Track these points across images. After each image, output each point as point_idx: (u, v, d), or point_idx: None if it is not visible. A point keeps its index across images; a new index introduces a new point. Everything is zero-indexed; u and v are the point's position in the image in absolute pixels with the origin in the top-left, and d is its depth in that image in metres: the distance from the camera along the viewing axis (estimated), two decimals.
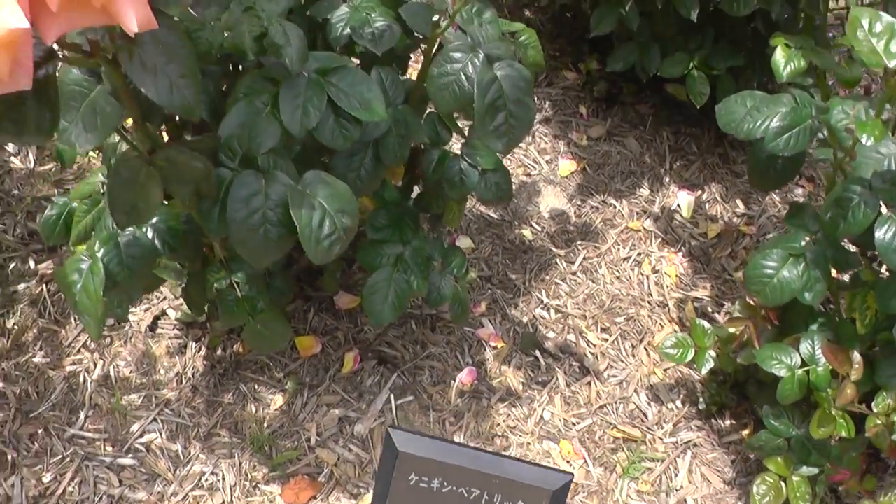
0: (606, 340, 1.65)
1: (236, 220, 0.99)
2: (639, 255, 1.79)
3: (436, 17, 1.17)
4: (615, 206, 1.90)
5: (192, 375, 1.51)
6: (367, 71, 1.18)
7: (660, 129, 2.12)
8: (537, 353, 1.62)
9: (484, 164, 1.29)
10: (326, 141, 1.08)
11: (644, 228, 1.85)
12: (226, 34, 1.06)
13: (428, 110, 1.31)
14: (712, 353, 1.48)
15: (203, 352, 1.53)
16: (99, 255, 1.07)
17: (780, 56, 1.46)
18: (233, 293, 1.23)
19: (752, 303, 1.46)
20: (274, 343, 1.31)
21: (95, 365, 1.50)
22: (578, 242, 1.84)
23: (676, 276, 1.81)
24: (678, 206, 1.94)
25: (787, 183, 1.48)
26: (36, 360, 1.50)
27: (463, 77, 1.10)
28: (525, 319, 1.66)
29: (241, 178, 1.00)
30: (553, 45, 2.26)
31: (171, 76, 0.80)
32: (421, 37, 1.26)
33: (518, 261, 1.76)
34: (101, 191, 1.18)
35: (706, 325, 1.49)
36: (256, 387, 1.50)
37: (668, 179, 1.98)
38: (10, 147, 1.79)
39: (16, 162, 1.77)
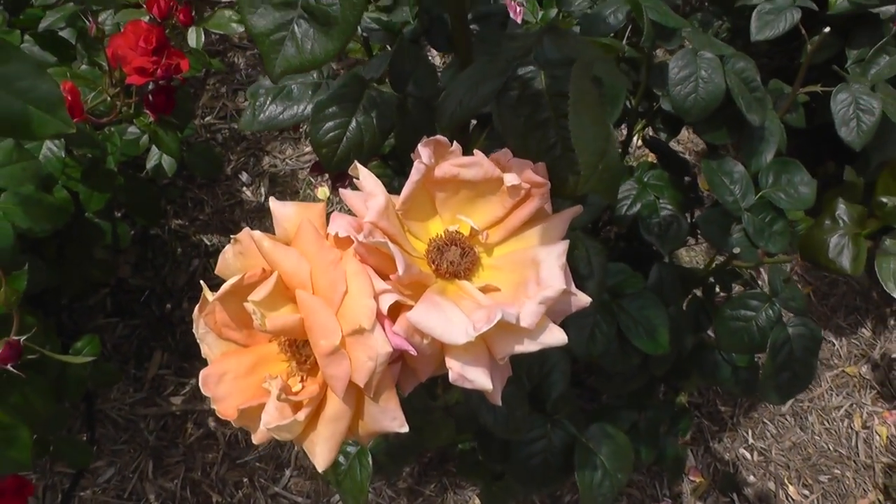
0: (807, 498, 1.62)
1: (517, 457, 1.01)
2: (851, 405, 1.73)
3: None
4: (834, 344, 1.84)
5: None
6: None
7: None
8: (734, 496, 1.61)
9: (738, 362, 1.27)
10: (607, 366, 1.08)
11: (860, 375, 1.78)
12: None
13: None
14: None
15: None
16: (369, 444, 1.08)
17: None
18: (475, 457, 1.26)
19: None
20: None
21: None
22: None
23: (888, 437, 1.74)
24: None
25: None
26: None
27: (754, 326, 1.07)
28: (727, 457, 1.65)
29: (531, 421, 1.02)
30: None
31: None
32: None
33: (729, 391, 1.73)
34: None
35: None
36: (459, 482, 1.54)
37: (893, 323, 1.89)
38: (244, 177, 1.83)
39: (247, 193, 1.81)
